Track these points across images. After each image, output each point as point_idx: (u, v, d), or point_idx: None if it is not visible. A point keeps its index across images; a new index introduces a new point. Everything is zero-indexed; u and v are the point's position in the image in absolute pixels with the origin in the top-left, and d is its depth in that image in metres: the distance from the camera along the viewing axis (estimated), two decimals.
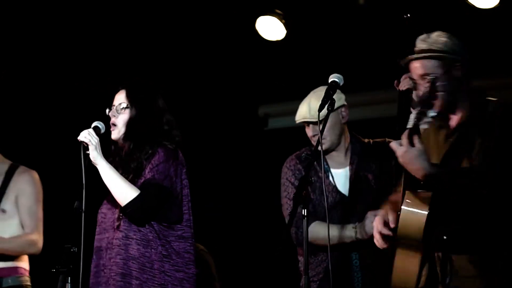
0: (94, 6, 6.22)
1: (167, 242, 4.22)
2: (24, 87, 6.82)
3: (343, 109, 4.80)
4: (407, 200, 3.84)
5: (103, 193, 4.31)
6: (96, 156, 4.21)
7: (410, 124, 3.77)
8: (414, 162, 3.76)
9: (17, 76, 6.72)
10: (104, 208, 4.35)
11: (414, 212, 3.80)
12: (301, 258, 4.84)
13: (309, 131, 4.80)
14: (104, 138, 4.36)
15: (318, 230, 4.56)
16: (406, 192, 3.87)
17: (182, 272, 4.22)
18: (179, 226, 4.27)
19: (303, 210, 3.86)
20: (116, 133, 4.38)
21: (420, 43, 4.03)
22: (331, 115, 4.72)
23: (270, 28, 6.41)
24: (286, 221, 4.76)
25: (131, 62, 6.73)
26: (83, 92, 6.99)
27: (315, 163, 4.74)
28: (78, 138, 4.23)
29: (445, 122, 4.05)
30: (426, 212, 3.78)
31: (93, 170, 4.30)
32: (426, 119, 3.76)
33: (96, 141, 4.23)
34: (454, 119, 3.98)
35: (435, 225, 3.80)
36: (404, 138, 3.77)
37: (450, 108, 3.99)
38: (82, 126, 4.33)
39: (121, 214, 4.25)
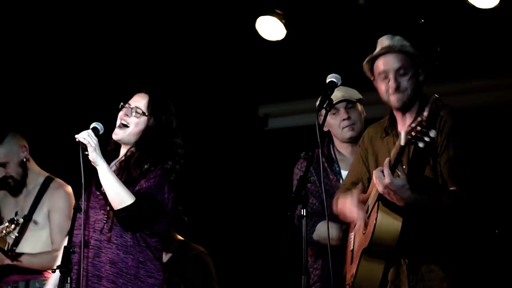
0: (95, 6, 6.22)
1: (145, 248, 4.28)
2: (24, 87, 6.82)
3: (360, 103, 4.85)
4: (383, 209, 3.88)
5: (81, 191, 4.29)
6: (96, 157, 4.20)
7: (402, 141, 3.66)
8: (397, 194, 3.77)
9: (16, 76, 6.72)
10: (85, 206, 4.33)
11: (390, 221, 3.85)
12: (309, 259, 4.84)
13: (343, 114, 4.77)
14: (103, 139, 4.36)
15: (325, 230, 4.52)
16: (380, 201, 3.91)
17: (153, 278, 4.29)
18: (156, 238, 4.33)
19: (302, 210, 3.87)
20: (123, 134, 4.38)
21: (389, 40, 4.03)
22: (358, 104, 4.78)
23: (270, 28, 6.41)
24: (295, 220, 4.76)
25: (131, 63, 6.73)
26: (83, 92, 6.99)
27: (325, 164, 4.75)
28: (77, 137, 4.22)
29: (393, 128, 4.08)
30: (401, 222, 3.84)
31: (91, 171, 4.31)
32: (426, 138, 3.57)
33: (96, 142, 4.22)
34: (403, 125, 3.97)
35: (407, 233, 3.85)
36: (386, 168, 3.75)
37: (407, 109, 4.00)
38: (82, 126, 4.32)
39: (105, 217, 4.26)
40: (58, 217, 5.32)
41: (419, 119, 3.55)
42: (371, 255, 3.93)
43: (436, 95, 3.59)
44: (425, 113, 3.53)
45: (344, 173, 4.76)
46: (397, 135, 4.00)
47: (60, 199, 5.37)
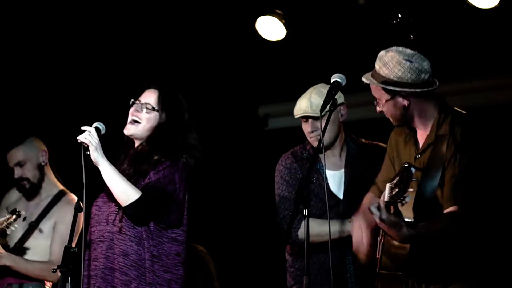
0: (95, 6, 6.22)
1: (159, 243, 4.25)
2: (24, 87, 6.82)
3: (341, 107, 4.76)
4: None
5: (100, 188, 4.32)
6: (97, 156, 4.20)
7: (386, 198, 3.76)
8: (392, 230, 3.80)
9: (16, 76, 6.72)
10: (100, 202, 4.37)
11: (396, 246, 3.89)
12: (289, 257, 4.82)
13: (308, 127, 4.76)
14: (104, 138, 4.35)
15: (312, 226, 4.45)
16: None
17: (170, 273, 4.26)
18: (175, 229, 4.30)
19: (304, 210, 3.86)
20: (135, 129, 4.38)
21: (377, 61, 4.02)
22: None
23: (270, 28, 6.41)
24: (278, 218, 4.78)
25: (131, 62, 6.73)
26: (83, 92, 6.99)
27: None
28: (78, 139, 4.22)
29: (413, 135, 4.08)
30: (408, 246, 3.85)
31: (93, 171, 4.31)
32: (400, 200, 3.72)
33: (97, 141, 4.22)
34: (422, 135, 4.00)
35: (416, 256, 3.87)
36: (382, 204, 3.78)
37: (407, 125, 4.03)
38: (82, 126, 4.32)
39: (116, 208, 4.26)
40: (63, 230, 5.30)
41: (394, 188, 3.71)
42: (386, 276, 3.97)
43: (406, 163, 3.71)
44: (395, 182, 3.70)
45: (328, 172, 4.72)
46: (416, 142, 4.04)
47: (69, 213, 5.33)
